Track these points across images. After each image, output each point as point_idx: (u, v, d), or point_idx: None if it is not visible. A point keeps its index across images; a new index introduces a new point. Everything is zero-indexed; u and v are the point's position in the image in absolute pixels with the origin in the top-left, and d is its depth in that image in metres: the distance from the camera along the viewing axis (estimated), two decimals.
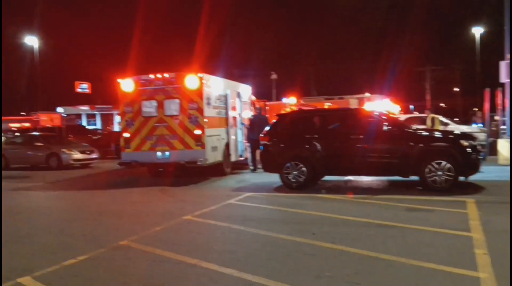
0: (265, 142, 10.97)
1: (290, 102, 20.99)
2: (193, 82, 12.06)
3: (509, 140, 14.19)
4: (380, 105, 21.27)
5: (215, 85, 12.97)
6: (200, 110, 12.04)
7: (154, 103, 12.43)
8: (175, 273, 5.10)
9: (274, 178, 11.03)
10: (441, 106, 56.08)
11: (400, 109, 24.94)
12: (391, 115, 11.56)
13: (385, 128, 9.98)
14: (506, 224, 6.71)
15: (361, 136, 9.99)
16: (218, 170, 13.02)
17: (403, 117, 21.39)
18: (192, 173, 12.99)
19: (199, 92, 12.05)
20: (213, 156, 12.46)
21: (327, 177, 11.32)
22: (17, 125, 32.09)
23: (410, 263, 5.11)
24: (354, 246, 5.83)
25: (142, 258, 5.65)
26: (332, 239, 6.18)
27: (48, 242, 6.72)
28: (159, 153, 12.28)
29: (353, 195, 9.50)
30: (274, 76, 38.80)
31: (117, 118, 28.03)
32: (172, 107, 12.27)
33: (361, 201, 8.97)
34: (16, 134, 23.59)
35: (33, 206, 10.34)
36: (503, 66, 14.55)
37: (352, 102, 22.89)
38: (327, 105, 21.06)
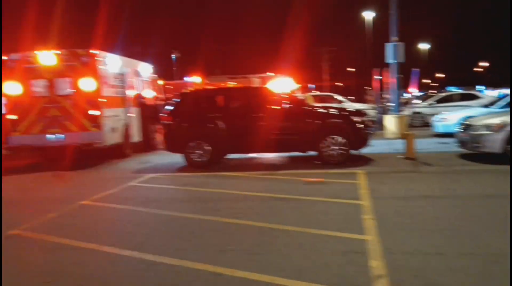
0: (167, 121, 10.79)
1: (193, 81, 20.76)
2: (87, 60, 11.35)
3: (395, 115, 15.55)
4: (282, 84, 21.90)
5: (112, 63, 12.34)
6: (95, 89, 11.39)
7: (43, 82, 11.49)
8: (73, 259, 4.89)
9: (177, 159, 10.94)
10: (337, 84, 59.35)
11: (300, 87, 25.92)
12: (290, 94, 12.00)
13: (285, 106, 10.36)
14: (390, 191, 7.43)
15: (263, 114, 10.27)
16: (118, 152, 12.53)
17: (303, 95, 22.27)
18: (90, 156, 12.35)
19: (93, 70, 11.36)
20: (112, 138, 11.95)
21: (231, 155, 11.50)
22: None
23: (306, 231, 5.44)
24: (256, 219, 6.06)
25: (36, 247, 5.34)
26: (235, 215, 6.35)
27: None
28: (51, 136, 11.44)
29: (255, 172, 9.79)
30: (176, 54, 37.91)
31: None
32: (64, 86, 11.43)
33: (263, 177, 9.28)
34: None
35: None
36: (389, 48, 15.77)
37: (255, 81, 23.29)
38: (231, 84, 21.18)
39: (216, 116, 10.47)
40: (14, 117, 11.56)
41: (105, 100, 11.64)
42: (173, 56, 37.90)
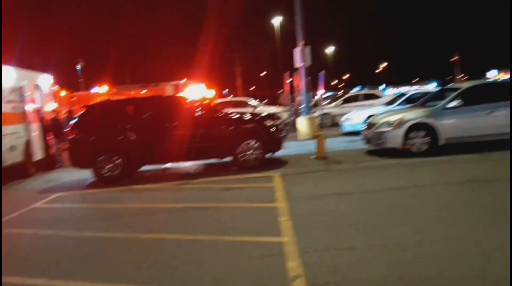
0: (73, 135, 10.17)
1: (101, 91, 19.86)
2: None
3: (306, 117, 16.12)
4: (196, 91, 21.76)
5: (7, 77, 11.36)
6: None
7: None
8: None
9: (87, 174, 10.35)
10: (251, 89, 60.38)
11: (214, 93, 25.95)
12: (204, 101, 11.92)
13: (198, 113, 10.26)
14: (304, 191, 7.63)
15: (176, 123, 10.07)
16: (20, 171, 11.55)
17: (218, 101, 22.30)
18: None
19: None
20: (12, 157, 11.00)
21: (145, 167, 11.13)
22: None
23: (224, 239, 5.40)
24: (172, 232, 5.90)
25: None
26: (150, 229, 6.14)
27: None
28: None
29: (171, 183, 9.56)
30: (81, 64, 36.02)
31: None
32: None
33: (179, 187, 9.10)
34: None
35: None
36: (297, 52, 16.34)
37: (168, 89, 22.87)
38: (142, 93, 20.59)
39: (126, 127, 10.06)
40: None
41: (1, 117, 10.69)
42: (78, 66, 35.97)
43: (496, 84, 13.17)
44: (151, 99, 12.33)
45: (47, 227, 6.67)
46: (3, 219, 7.41)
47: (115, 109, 10.75)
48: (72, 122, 10.62)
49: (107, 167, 9.92)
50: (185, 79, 22.63)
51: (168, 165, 11.69)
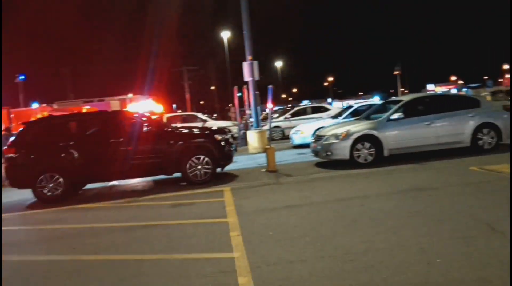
0: (11, 154, 9.62)
1: (42, 107, 19.02)
2: None
3: (256, 131, 16.20)
4: (143, 106, 21.34)
5: None
6: None
7: None
8: None
9: (27, 195, 9.80)
10: (201, 103, 60.13)
11: (163, 108, 25.56)
12: (151, 116, 11.68)
13: (145, 129, 10.04)
14: (255, 205, 7.62)
15: (122, 139, 9.80)
16: None
17: (167, 116, 21.98)
18: None
19: None
20: None
21: (90, 185, 10.72)
22: None
23: (174, 258, 5.26)
24: (119, 252, 5.68)
25: None
26: (95, 250, 5.88)
27: None
28: None
29: (117, 200, 9.24)
30: (20, 78, 34.40)
31: None
32: None
33: (126, 205, 8.80)
34: None
35: None
36: (245, 66, 16.46)
37: (113, 104, 22.30)
38: (86, 108, 19.92)
39: (68, 144, 9.66)
40: None
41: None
42: (17, 80, 34.30)
43: (435, 96, 13.88)
44: (95, 114, 11.89)
45: None
46: None
47: (57, 125, 10.30)
48: (11, 139, 10.06)
49: (49, 186, 9.46)
50: (131, 94, 22.16)
51: (115, 182, 11.32)
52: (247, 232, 5.93)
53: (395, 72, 51.81)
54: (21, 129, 10.12)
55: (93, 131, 10.08)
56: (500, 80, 58.63)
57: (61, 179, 9.50)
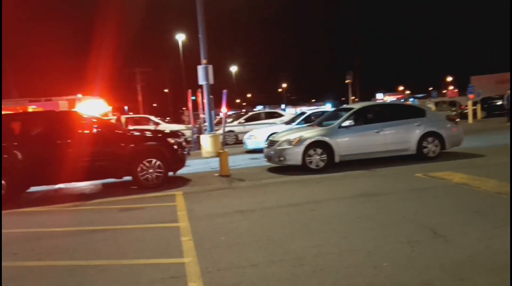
0: None
1: None
2: None
3: (209, 135, 16.10)
4: (93, 107, 20.67)
5: None
6: None
7: None
8: None
9: None
10: (154, 106, 59.11)
11: (112, 109, 24.87)
12: (101, 117, 11.33)
13: (94, 130, 9.71)
14: (207, 210, 7.55)
15: (69, 140, 9.43)
16: None
17: (116, 117, 21.39)
18: None
19: None
20: None
21: (35, 188, 10.23)
22: None
23: (121, 263, 5.10)
24: (63, 258, 5.45)
25: None
26: (38, 256, 5.61)
27: None
28: None
29: (63, 204, 8.87)
30: None
31: None
32: None
33: (72, 209, 8.47)
34: None
35: None
36: (200, 70, 16.35)
37: (62, 104, 21.40)
38: (31, 108, 19.03)
39: (12, 145, 9.18)
40: None
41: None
42: None
43: (384, 105, 14.40)
44: (41, 114, 11.35)
45: None
46: None
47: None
48: None
49: None
50: (80, 95, 21.40)
51: (61, 185, 10.86)
52: (199, 237, 5.87)
53: (347, 81, 53.44)
54: None
55: (38, 132, 9.64)
56: (444, 91, 61.81)
57: (3, 182, 8.99)
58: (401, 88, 77.73)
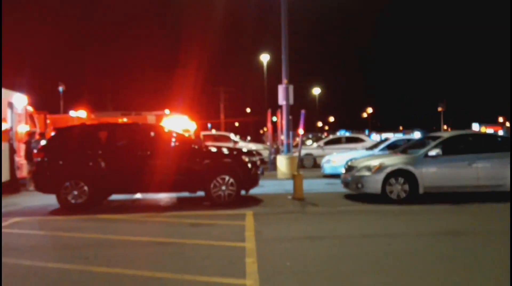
0: (40, 158, 9.74)
1: (79, 115, 19.47)
2: None
3: (286, 156, 15.92)
4: (178, 123, 21.51)
5: None
6: None
7: None
8: None
9: (52, 200, 9.85)
10: (235, 125, 60.50)
11: (196, 126, 25.73)
12: (181, 132, 11.63)
13: (174, 144, 9.97)
14: (276, 232, 7.31)
15: (149, 152, 9.75)
16: None
17: (195, 134, 22.04)
18: None
19: None
20: None
21: (114, 196, 10.69)
22: None
23: (184, 279, 5.02)
24: (130, 267, 5.49)
25: None
26: (107, 262, 5.72)
27: None
28: None
29: (139, 214, 9.13)
30: (61, 87, 35.74)
31: None
32: None
33: (146, 219, 8.67)
34: None
35: None
36: (280, 89, 16.33)
37: (150, 118, 22.56)
38: (123, 121, 20.27)
39: (97, 153, 9.69)
40: None
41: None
42: (60, 88, 35.65)
43: (478, 135, 13.24)
44: (126, 126, 11.91)
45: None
46: None
47: (87, 133, 10.36)
48: (41, 144, 10.21)
49: (73, 193, 9.46)
50: (167, 110, 22.41)
51: (139, 195, 11.25)
52: (263, 260, 5.63)
53: (439, 109, 50.50)
54: (52, 134, 10.25)
55: (122, 143, 10.09)
56: None
57: (85, 187, 9.49)
58: (500, 119, 71.84)
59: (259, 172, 10.65)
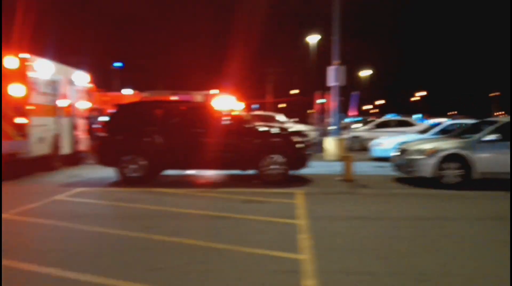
0: (101, 133, 10.29)
1: (132, 94, 20.18)
2: (14, 63, 10.58)
3: (334, 138, 15.88)
4: (225, 102, 21.83)
5: (43, 69, 11.59)
6: (23, 96, 10.64)
7: None
8: None
9: (110, 173, 10.41)
10: (282, 106, 60.38)
11: (243, 106, 26.00)
12: (233, 112, 11.88)
13: (225, 123, 10.22)
14: (327, 212, 7.44)
15: (203, 131, 10.06)
16: (45, 164, 11.71)
17: (244, 114, 22.28)
18: (15, 168, 11.38)
19: (22, 75, 10.62)
20: (39, 148, 11.15)
21: (168, 171, 11.14)
22: None
23: (240, 250, 5.27)
24: (189, 237, 5.81)
25: None
26: (167, 232, 6.07)
27: None
28: None
29: (193, 189, 9.51)
30: (117, 65, 37.03)
31: None
32: None
33: (200, 194, 9.02)
34: None
35: None
36: (331, 70, 16.19)
37: (198, 97, 23.02)
38: (172, 99, 20.82)
39: (154, 130, 10.10)
40: None
41: (34, 108, 10.91)
42: (116, 65, 36.99)
43: None
44: (182, 104, 12.27)
45: (66, 220, 6.71)
46: (26, 207, 7.50)
47: (145, 111, 10.77)
48: (102, 119, 10.74)
49: (131, 167, 9.95)
50: (216, 90, 22.76)
51: (191, 171, 11.65)
52: (316, 237, 5.79)
53: (493, 94, 48.23)
54: (113, 111, 10.75)
55: (178, 120, 10.45)
56: None
57: (143, 162, 9.96)
58: None
59: (308, 152, 10.75)
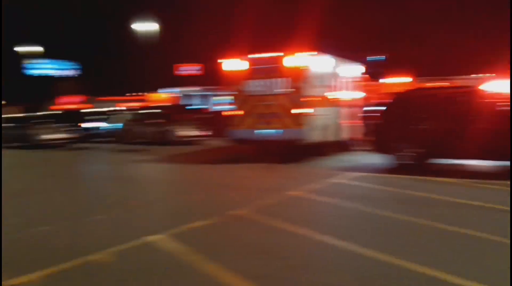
0: (379, 121, 10.78)
1: (405, 82, 20.16)
2: (300, 61, 12.18)
3: None
4: (503, 87, 19.35)
5: (325, 64, 12.98)
6: (305, 89, 12.18)
7: (261, 82, 12.63)
8: (291, 242, 5.22)
9: (376, 159, 10.93)
10: None
11: None
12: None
13: (504, 110, 9.25)
14: None
15: (479, 117, 9.46)
16: (318, 149, 13.03)
17: None
18: (295, 152, 13.02)
19: (305, 71, 12.19)
20: (316, 135, 12.57)
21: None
22: (128, 104, 31.77)
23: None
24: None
25: (256, 227, 5.84)
26: (442, 220, 5.94)
27: (167, 208, 7.36)
28: (266, 131, 12.58)
29: (464, 179, 9.07)
30: (385, 55, 37.86)
31: (214, 99, 29.03)
32: (279, 85, 12.45)
33: (474, 185, 8.60)
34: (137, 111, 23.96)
35: (149, 176, 11.52)
36: None
37: (468, 83, 21.13)
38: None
39: (430, 117, 10.06)
40: (235, 113, 13.01)
41: (313, 99, 12.28)
42: (383, 57, 37.93)
43: None
44: (456, 90, 11.51)
45: (348, 200, 7.37)
46: (311, 186, 8.57)
47: (422, 98, 10.71)
48: (378, 108, 11.19)
49: (406, 155, 10.17)
50: (493, 74, 20.47)
51: (457, 161, 10.87)
52: None
53: None
54: (391, 99, 11.06)
55: (453, 107, 10.01)
56: None
57: (418, 150, 9.99)
58: None
59: None
